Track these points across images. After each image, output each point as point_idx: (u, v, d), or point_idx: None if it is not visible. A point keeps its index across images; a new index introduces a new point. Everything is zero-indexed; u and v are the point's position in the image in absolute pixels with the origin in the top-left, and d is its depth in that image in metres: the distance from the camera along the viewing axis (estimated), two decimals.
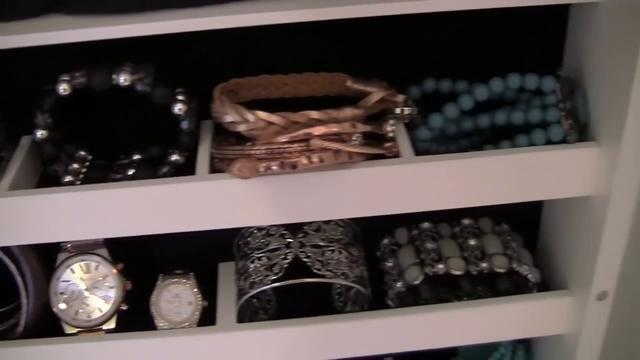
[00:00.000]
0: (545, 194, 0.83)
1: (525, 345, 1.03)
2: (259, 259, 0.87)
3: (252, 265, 0.87)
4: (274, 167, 0.74)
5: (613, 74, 0.75)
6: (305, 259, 0.86)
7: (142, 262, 0.93)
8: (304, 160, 0.74)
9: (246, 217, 0.80)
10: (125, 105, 0.84)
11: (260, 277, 0.86)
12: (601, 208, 0.81)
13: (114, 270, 0.90)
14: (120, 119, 0.88)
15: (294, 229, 0.89)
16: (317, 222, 0.89)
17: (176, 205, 0.78)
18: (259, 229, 0.90)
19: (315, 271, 0.85)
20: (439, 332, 0.90)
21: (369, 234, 0.97)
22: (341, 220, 0.91)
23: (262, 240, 0.89)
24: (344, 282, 0.87)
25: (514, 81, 0.81)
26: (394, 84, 0.85)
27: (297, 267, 0.86)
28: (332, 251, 0.88)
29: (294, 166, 0.75)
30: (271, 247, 0.88)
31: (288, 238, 0.88)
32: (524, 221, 0.98)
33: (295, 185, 0.77)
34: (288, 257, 0.86)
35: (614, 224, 0.81)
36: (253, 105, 0.79)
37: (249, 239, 0.91)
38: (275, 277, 0.85)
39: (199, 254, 0.96)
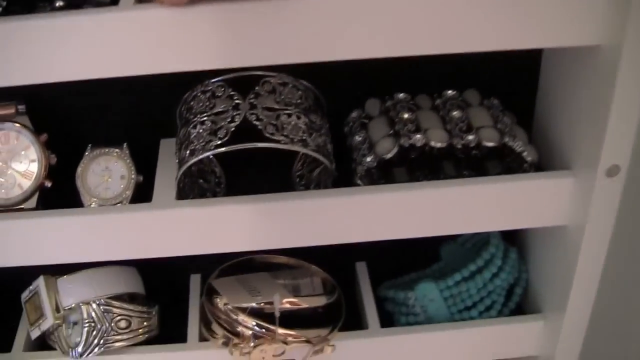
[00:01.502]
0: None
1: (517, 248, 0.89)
2: (202, 123, 0.74)
3: (194, 131, 0.74)
4: None
5: None
6: (256, 122, 0.72)
7: (70, 136, 0.80)
8: None
9: (179, 59, 0.64)
10: None
11: (203, 143, 0.72)
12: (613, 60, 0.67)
13: (37, 141, 0.77)
14: None
15: (244, 91, 0.76)
16: (271, 83, 0.76)
17: (95, 43, 0.63)
18: (204, 91, 0.76)
19: (268, 135, 0.72)
20: (416, 217, 0.76)
21: (335, 110, 0.83)
22: (300, 82, 0.78)
23: (207, 104, 0.75)
24: (301, 150, 0.73)
25: None
26: None
27: (248, 135, 0.73)
28: (289, 115, 0.74)
29: None
30: (216, 109, 0.74)
31: (237, 99, 0.74)
32: (518, 100, 0.84)
33: (242, 18, 0.63)
34: (235, 119, 0.72)
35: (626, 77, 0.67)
36: None
37: (192, 103, 0.77)
38: (219, 142, 0.71)
39: (138, 129, 0.83)
